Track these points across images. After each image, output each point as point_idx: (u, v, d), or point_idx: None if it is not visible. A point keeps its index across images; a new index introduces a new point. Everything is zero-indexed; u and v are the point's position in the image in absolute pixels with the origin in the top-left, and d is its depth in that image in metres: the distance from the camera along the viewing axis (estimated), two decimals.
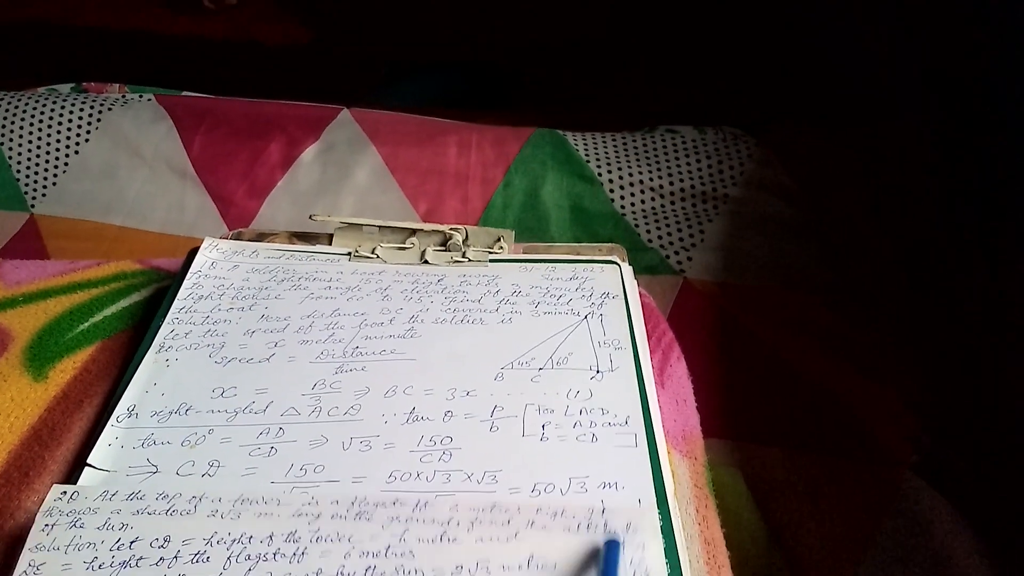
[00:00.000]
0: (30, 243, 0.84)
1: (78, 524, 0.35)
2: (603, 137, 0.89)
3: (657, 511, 0.37)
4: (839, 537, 0.57)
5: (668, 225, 0.83)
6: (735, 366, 0.68)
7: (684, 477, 0.43)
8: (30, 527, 0.38)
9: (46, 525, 0.35)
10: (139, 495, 0.37)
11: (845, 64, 0.84)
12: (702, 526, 0.41)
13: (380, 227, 0.55)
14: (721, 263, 0.80)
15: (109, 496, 0.36)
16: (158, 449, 0.41)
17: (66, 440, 0.42)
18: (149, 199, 0.86)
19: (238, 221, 0.85)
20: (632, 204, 0.84)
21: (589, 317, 0.49)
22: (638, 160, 0.86)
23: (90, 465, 0.39)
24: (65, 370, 0.46)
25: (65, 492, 0.36)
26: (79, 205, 0.86)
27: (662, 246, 0.81)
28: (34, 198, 0.86)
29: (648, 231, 0.82)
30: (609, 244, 0.57)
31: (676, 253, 0.80)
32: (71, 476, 0.40)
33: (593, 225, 0.83)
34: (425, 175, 0.87)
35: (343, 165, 0.87)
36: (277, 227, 0.84)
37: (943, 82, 0.68)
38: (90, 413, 0.44)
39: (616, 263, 0.53)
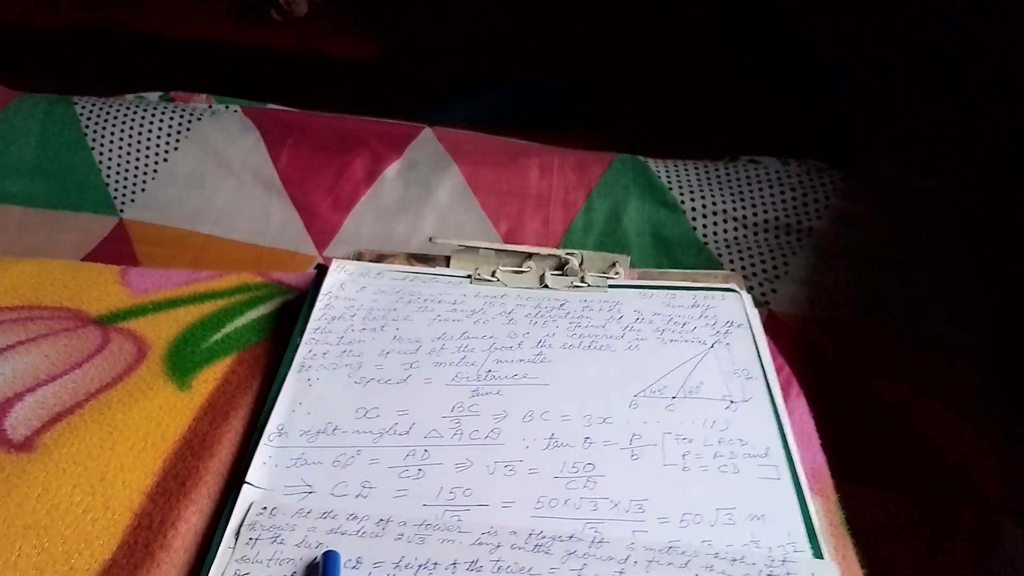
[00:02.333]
0: (119, 247, 0.86)
1: (279, 540, 0.37)
2: (684, 164, 0.90)
3: (832, 561, 0.37)
4: None
5: (751, 256, 0.83)
6: (822, 400, 0.69)
7: (820, 516, 0.44)
8: (193, 539, 0.39)
9: (250, 539, 0.37)
10: (331, 514, 0.38)
11: (932, 99, 0.84)
12: (843, 565, 0.41)
13: (497, 250, 0.56)
14: (806, 296, 0.80)
15: (305, 513, 0.38)
16: (310, 469, 0.41)
17: (218, 452, 0.43)
18: (235, 209, 0.87)
19: (322, 234, 0.86)
20: (715, 233, 0.84)
21: (716, 346, 0.49)
22: (720, 189, 0.87)
23: (248, 483, 0.40)
24: (207, 380, 0.48)
25: (266, 507, 0.38)
26: (167, 212, 0.88)
27: (745, 276, 0.81)
28: (123, 203, 0.88)
29: (731, 261, 0.83)
30: (725, 272, 0.57)
31: (760, 284, 0.81)
32: (228, 490, 0.41)
33: (675, 252, 0.84)
34: (506, 196, 0.88)
35: (425, 183, 0.88)
36: (361, 241, 0.86)
37: None
38: (237, 426, 0.45)
39: (736, 291, 0.54)
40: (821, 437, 0.54)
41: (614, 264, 0.56)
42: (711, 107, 1.06)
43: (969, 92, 0.76)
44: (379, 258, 0.57)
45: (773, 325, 0.78)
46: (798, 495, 0.41)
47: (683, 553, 0.37)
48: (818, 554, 0.38)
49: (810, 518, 0.40)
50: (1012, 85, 0.68)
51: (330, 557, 0.35)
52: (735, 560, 0.37)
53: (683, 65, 1.08)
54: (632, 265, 0.82)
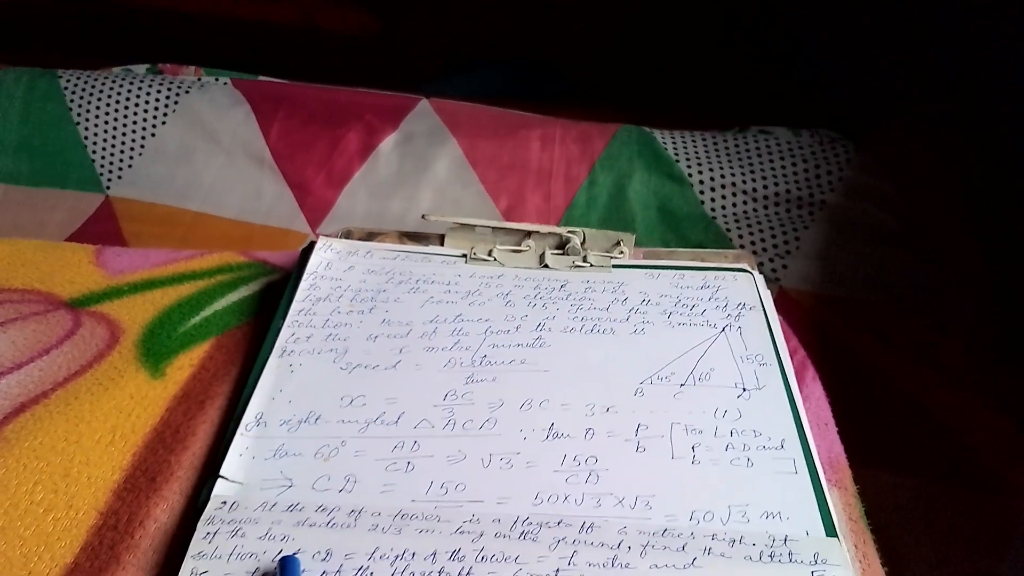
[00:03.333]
0: (105, 225, 0.83)
1: (240, 534, 0.34)
2: (692, 136, 0.86)
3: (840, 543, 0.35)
4: (957, 567, 0.54)
5: (761, 230, 0.80)
6: (835, 382, 0.66)
7: (837, 508, 0.41)
8: (161, 539, 0.36)
9: (208, 533, 0.34)
10: (299, 507, 0.35)
11: (949, 67, 0.80)
12: (863, 563, 0.39)
13: (494, 228, 0.53)
14: (818, 273, 0.77)
15: (269, 507, 0.35)
16: (290, 461, 0.39)
17: (191, 444, 0.40)
18: (226, 185, 0.84)
19: (315, 210, 0.83)
20: (723, 207, 0.81)
21: (727, 329, 0.46)
22: (729, 161, 0.83)
23: (222, 476, 0.37)
24: (182, 367, 0.45)
25: (225, 502, 0.35)
26: (155, 189, 0.84)
27: (755, 252, 0.78)
28: (109, 180, 0.85)
29: (740, 236, 0.79)
30: (735, 251, 0.54)
31: (771, 260, 0.77)
32: (200, 485, 0.38)
33: (682, 227, 0.81)
34: (506, 170, 0.84)
35: (422, 157, 0.84)
36: (355, 218, 0.83)
37: None
38: (213, 415, 0.42)
39: (748, 271, 0.50)
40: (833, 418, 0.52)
41: (618, 243, 0.52)
42: (711, 99, 1.02)
43: (972, 78, 0.72)
44: (369, 236, 0.54)
45: (784, 302, 0.75)
46: (816, 490, 0.38)
47: (679, 536, 0.35)
48: None
49: (829, 515, 0.37)
50: (1016, 71, 0.64)
51: (288, 564, 0.32)
52: (734, 541, 0.34)
53: (685, 52, 1.05)
54: (638, 242, 0.78)
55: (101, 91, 0.87)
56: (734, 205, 0.81)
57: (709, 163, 0.82)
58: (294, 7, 1.22)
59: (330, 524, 0.35)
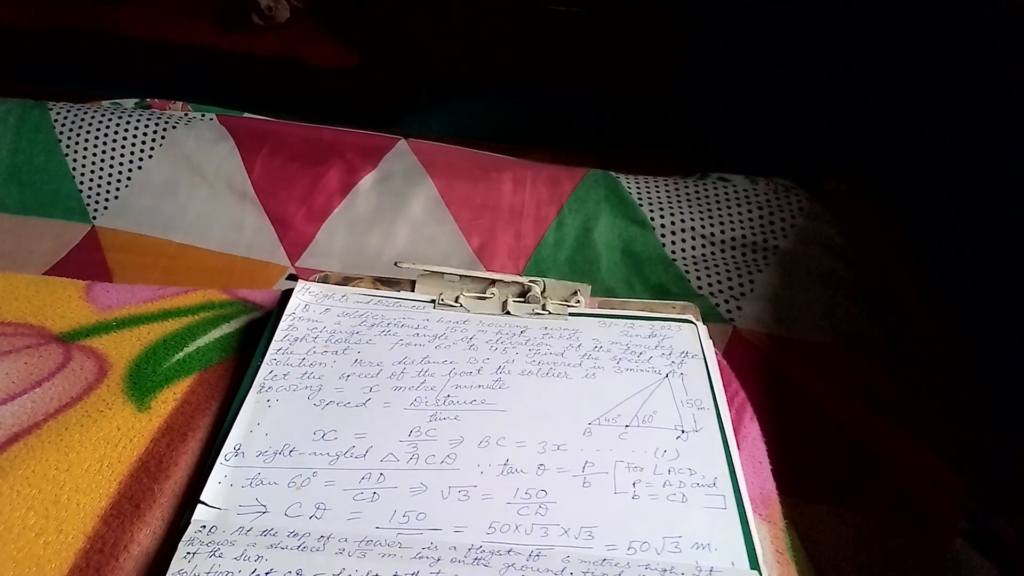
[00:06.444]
0: (90, 255, 0.86)
1: (217, 554, 0.37)
2: (655, 181, 0.91)
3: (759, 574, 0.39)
4: None
5: (718, 273, 0.84)
6: (782, 419, 0.69)
7: (765, 542, 0.45)
8: (144, 562, 0.39)
9: (188, 553, 0.37)
10: (272, 531, 0.39)
11: (899, 120, 0.86)
12: None
13: (461, 276, 0.57)
14: (770, 315, 0.81)
15: (245, 531, 0.38)
16: (266, 489, 0.42)
17: (173, 473, 0.44)
18: (209, 218, 0.87)
19: (295, 245, 0.87)
20: (683, 250, 0.85)
21: (670, 376, 0.51)
22: (690, 206, 0.88)
23: (202, 502, 0.41)
24: (166, 401, 0.48)
25: (205, 525, 0.38)
26: (140, 220, 0.87)
27: (711, 293, 0.83)
28: (96, 210, 0.88)
29: (698, 277, 0.84)
30: (682, 303, 0.58)
31: (726, 301, 0.82)
32: (181, 512, 0.42)
33: (643, 269, 0.85)
34: (479, 209, 0.88)
35: (399, 195, 0.88)
36: (333, 252, 0.86)
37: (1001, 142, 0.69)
38: (194, 447, 0.45)
39: (693, 322, 0.55)
40: (778, 455, 0.56)
41: (575, 292, 0.57)
42: (689, 125, 1.07)
43: (918, 134, 0.77)
44: (345, 281, 0.57)
45: (737, 343, 0.79)
46: (743, 524, 0.42)
47: (616, 565, 0.39)
48: None
49: (753, 547, 0.41)
50: (961, 129, 0.70)
51: None
52: (666, 571, 0.38)
53: (660, 80, 1.09)
54: (601, 281, 0.83)
55: (90, 124, 0.90)
56: (693, 248, 0.85)
57: (671, 208, 0.87)
58: (277, 40, 1.25)
59: (301, 548, 0.38)
